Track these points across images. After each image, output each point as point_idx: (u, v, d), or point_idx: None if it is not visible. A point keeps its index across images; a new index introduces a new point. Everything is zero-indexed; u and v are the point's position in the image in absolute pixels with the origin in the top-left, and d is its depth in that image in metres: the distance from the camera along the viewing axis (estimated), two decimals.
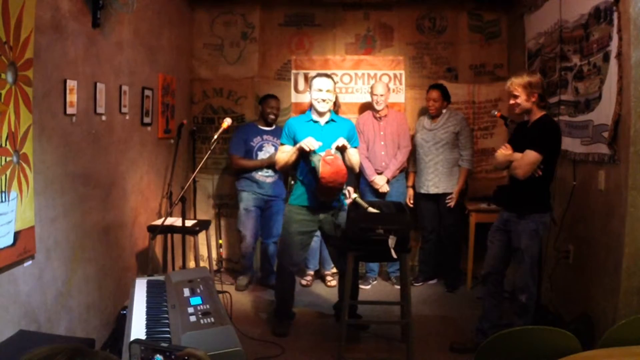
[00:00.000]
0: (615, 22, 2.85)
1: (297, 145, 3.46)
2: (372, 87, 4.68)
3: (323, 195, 3.45)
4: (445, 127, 4.54)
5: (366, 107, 4.89)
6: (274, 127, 4.67)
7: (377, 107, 4.59)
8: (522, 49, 4.52)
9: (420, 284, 4.76)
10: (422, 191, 4.64)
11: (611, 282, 2.92)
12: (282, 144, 3.67)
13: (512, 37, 4.94)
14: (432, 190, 4.58)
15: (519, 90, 3.09)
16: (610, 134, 2.92)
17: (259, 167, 4.56)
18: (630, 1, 2.71)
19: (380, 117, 4.63)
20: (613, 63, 2.89)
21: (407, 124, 4.76)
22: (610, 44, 2.92)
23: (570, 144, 3.50)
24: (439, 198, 4.59)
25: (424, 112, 4.87)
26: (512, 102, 3.16)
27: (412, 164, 4.79)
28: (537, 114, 3.12)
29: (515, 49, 4.82)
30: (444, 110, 4.58)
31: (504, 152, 3.19)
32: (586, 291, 3.26)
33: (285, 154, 3.57)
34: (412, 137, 4.73)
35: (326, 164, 3.32)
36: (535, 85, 3.07)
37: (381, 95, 4.56)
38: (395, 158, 4.61)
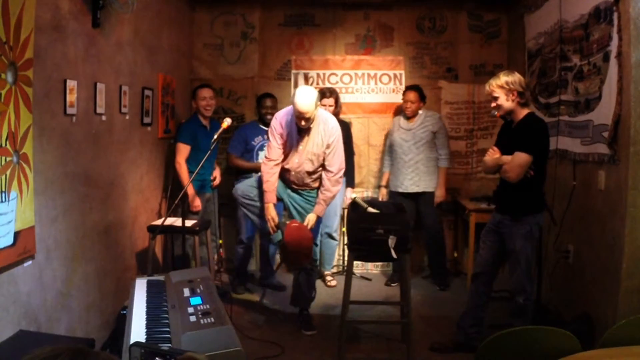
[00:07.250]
0: (615, 22, 2.85)
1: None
2: (295, 102, 3.31)
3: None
4: (424, 126, 4.55)
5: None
6: None
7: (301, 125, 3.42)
8: (522, 49, 4.52)
9: (396, 284, 4.63)
10: (400, 190, 4.60)
11: (611, 282, 2.92)
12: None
13: (512, 37, 4.94)
14: (412, 189, 4.56)
15: (497, 91, 3.05)
16: (610, 134, 2.92)
17: (255, 170, 4.49)
18: (630, 1, 2.71)
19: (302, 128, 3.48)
20: (613, 63, 2.89)
21: (339, 137, 3.49)
22: (610, 44, 2.92)
23: (570, 144, 3.50)
24: (418, 197, 4.58)
25: (398, 112, 4.86)
26: (493, 104, 3.13)
27: (386, 164, 4.79)
28: (521, 113, 3.06)
29: (515, 49, 4.82)
30: (420, 111, 4.58)
31: (492, 155, 3.16)
32: (586, 291, 3.26)
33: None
34: (386, 137, 4.70)
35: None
36: (512, 83, 2.99)
37: (306, 113, 3.30)
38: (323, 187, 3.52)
